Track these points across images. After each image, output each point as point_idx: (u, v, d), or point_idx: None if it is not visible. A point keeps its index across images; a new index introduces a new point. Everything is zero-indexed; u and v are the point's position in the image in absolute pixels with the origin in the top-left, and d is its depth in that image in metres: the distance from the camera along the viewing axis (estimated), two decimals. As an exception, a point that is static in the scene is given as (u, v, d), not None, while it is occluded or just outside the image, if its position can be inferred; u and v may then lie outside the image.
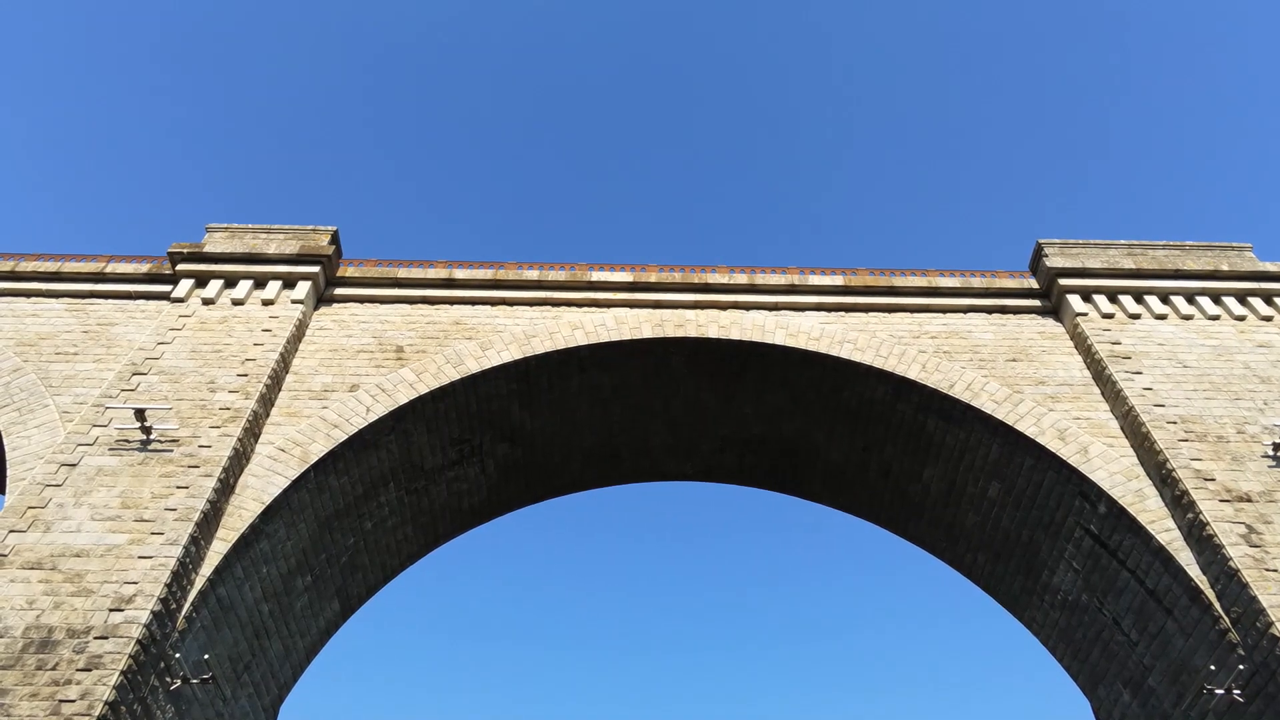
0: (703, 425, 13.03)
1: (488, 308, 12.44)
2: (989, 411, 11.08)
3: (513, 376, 11.77)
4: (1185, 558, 9.36)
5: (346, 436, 10.47)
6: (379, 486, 11.29)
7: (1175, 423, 10.47)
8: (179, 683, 8.31)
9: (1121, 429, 10.85)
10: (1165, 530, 9.66)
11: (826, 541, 32.36)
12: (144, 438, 9.74)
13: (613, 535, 32.77)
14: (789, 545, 32.24)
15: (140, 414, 9.65)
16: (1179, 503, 9.68)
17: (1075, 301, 12.31)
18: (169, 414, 10.11)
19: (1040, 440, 10.73)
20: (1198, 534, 9.34)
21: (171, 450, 9.68)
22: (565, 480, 13.37)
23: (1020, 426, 10.89)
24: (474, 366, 11.47)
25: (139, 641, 7.80)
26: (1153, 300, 12.38)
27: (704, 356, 12.26)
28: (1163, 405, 10.73)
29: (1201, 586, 9.10)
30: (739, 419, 12.89)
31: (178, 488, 9.24)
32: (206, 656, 8.73)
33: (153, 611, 8.03)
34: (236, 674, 9.57)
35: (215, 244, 12.54)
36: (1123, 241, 13.16)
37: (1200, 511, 9.38)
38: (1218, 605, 8.90)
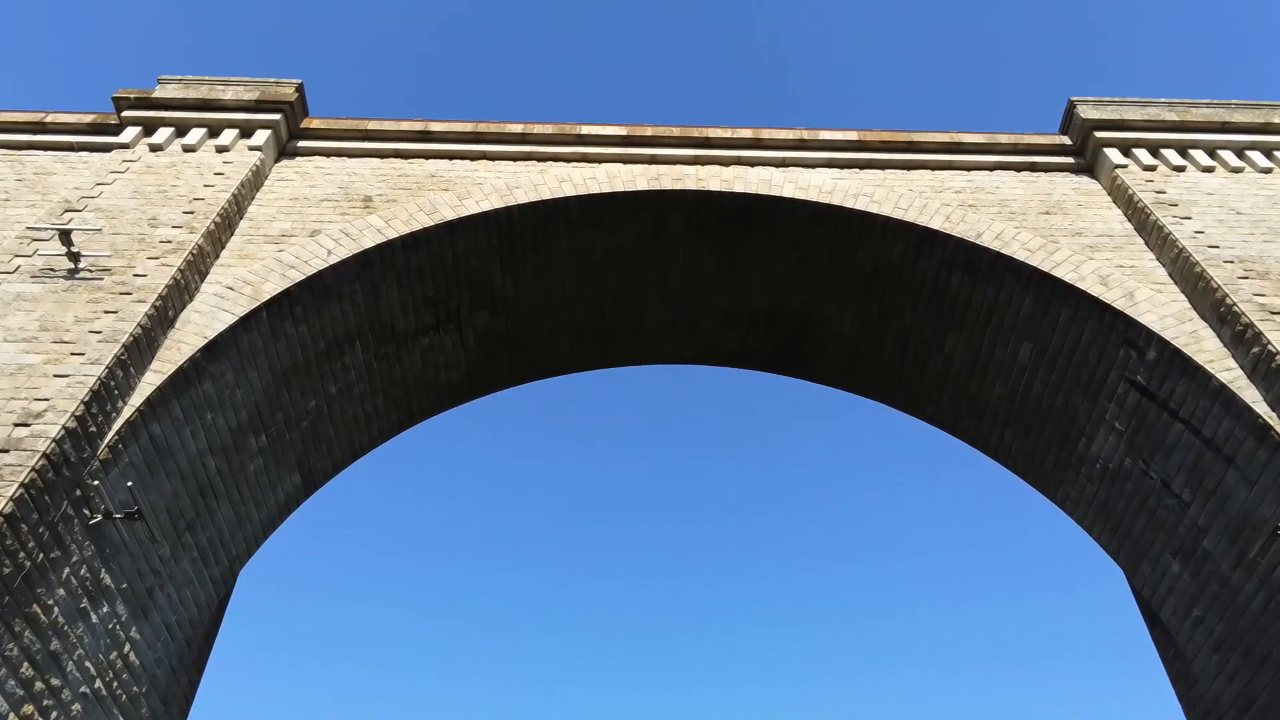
0: (703, 298, 11.90)
1: (467, 162, 11.29)
2: (1022, 259, 9.96)
3: (493, 230, 10.64)
4: (1250, 395, 8.26)
5: (304, 277, 9.35)
6: (344, 344, 10.17)
7: (1232, 262, 9.36)
8: (99, 517, 7.20)
9: (1170, 275, 9.74)
10: (1226, 370, 8.57)
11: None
12: (71, 266, 8.62)
13: (609, 422, 31.08)
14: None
15: (67, 238, 8.53)
16: (1241, 339, 8.57)
17: (1113, 155, 11.18)
18: (102, 243, 8.99)
19: (1080, 286, 9.62)
20: (1264, 368, 8.24)
21: (102, 279, 8.55)
22: (553, 359, 12.25)
23: (1058, 274, 9.78)
24: (450, 215, 10.34)
25: (46, 457, 6.69)
26: (1198, 154, 11.26)
27: (705, 215, 11.12)
28: (1217, 247, 9.62)
29: (1271, 423, 7.99)
30: (743, 290, 11.76)
31: (106, 312, 8.12)
32: (134, 497, 7.62)
33: (65, 428, 6.92)
34: (177, 532, 8.46)
35: (167, 92, 11.39)
36: (1162, 100, 12.02)
37: (1268, 343, 8.26)
38: (1291, 441, 7.83)
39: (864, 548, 29.74)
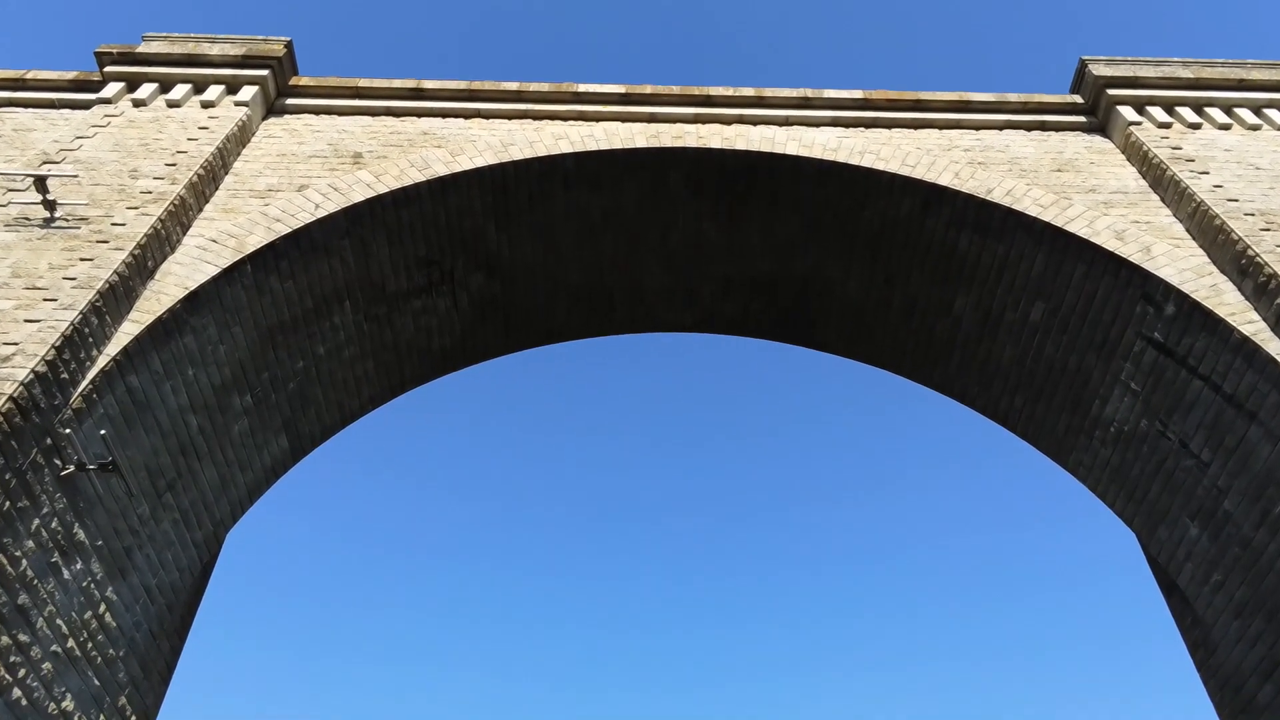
0: (704, 263, 11.57)
1: (460, 120, 10.95)
2: (1034, 215, 9.63)
3: (488, 187, 10.30)
4: (1275, 348, 7.92)
5: (290, 230, 9.02)
6: (332, 303, 9.83)
7: (1253, 215, 9.04)
8: (71, 468, 6.87)
9: (1187, 230, 9.41)
10: (1248, 323, 8.24)
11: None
12: (47, 215, 8.28)
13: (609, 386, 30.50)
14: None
15: (43, 185, 8.18)
16: (1264, 290, 8.24)
17: (1127, 112, 10.85)
18: (79, 193, 8.65)
19: (1095, 241, 9.29)
20: (1290, 319, 7.92)
21: (79, 228, 8.22)
22: (550, 325, 11.91)
23: (1071, 229, 9.45)
24: (442, 170, 10.00)
25: (14, 401, 6.35)
26: (1214, 112, 10.92)
27: (706, 175, 10.79)
28: (1236, 200, 9.29)
29: (1297, 374, 7.67)
30: (745, 253, 11.42)
31: (81, 259, 7.79)
32: (109, 447, 7.28)
33: (34, 371, 6.58)
34: (157, 491, 8.12)
35: (151, 48, 11.04)
36: (1175, 59, 11.69)
37: (1293, 293, 7.94)
38: (1318, 393, 7.51)
39: (865, 546, 29.36)
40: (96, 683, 7.37)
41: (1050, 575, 28.04)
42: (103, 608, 7.44)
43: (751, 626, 28.19)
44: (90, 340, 7.26)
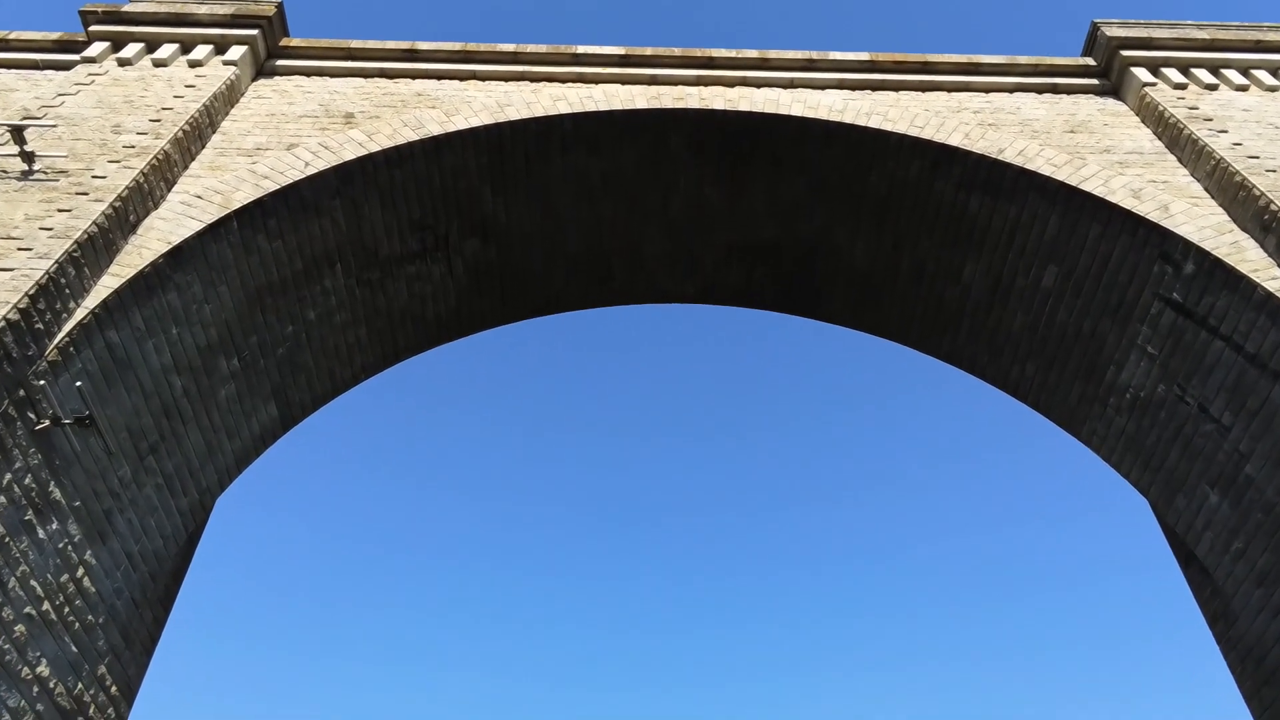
0: (706, 229, 11.26)
1: (456, 82, 10.65)
2: (1048, 174, 9.33)
3: (483, 149, 10.00)
4: (1300, 303, 7.64)
5: (278, 187, 8.71)
6: (323, 266, 9.52)
7: (1275, 171, 8.73)
8: (46, 423, 6.57)
9: (1206, 190, 9.10)
10: (1272, 279, 7.94)
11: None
12: (25, 167, 7.98)
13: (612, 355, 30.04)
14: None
15: (20, 136, 7.88)
16: (1289, 245, 7.95)
17: (1141, 74, 10.54)
18: (59, 146, 8.35)
19: (1111, 199, 8.99)
20: (1316, 273, 7.62)
21: (58, 180, 7.91)
22: (548, 294, 11.60)
23: (1086, 188, 9.15)
24: (437, 130, 9.69)
25: (-16, 348, 6.06)
26: (1231, 74, 10.62)
27: (708, 138, 10.48)
28: (1257, 157, 8.99)
29: (1325, 329, 7.38)
30: (748, 219, 11.12)
31: (59, 210, 7.49)
32: (85, 400, 6.98)
33: (6, 319, 6.28)
34: (139, 454, 7.82)
35: (138, 7, 10.73)
36: (1190, 21, 11.38)
37: (1319, 246, 7.65)
38: (1347, 348, 7.21)
39: (865, 546, 29.01)
40: (74, 649, 7.07)
41: (1050, 575, 27.75)
42: (81, 571, 7.14)
43: (751, 626, 27.82)
44: (67, 292, 6.96)
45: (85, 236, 7.21)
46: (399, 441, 29.49)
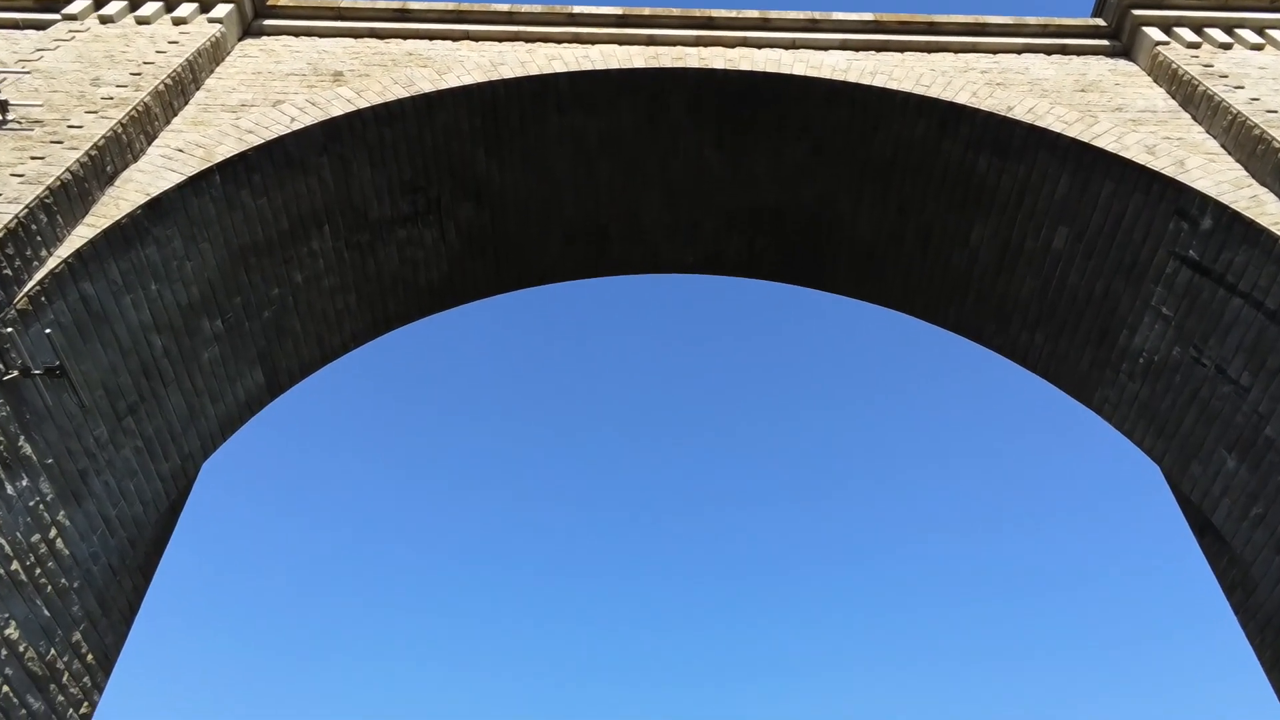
0: (707, 194, 10.96)
1: (448, 42, 10.35)
2: (1059, 131, 9.03)
3: (476, 108, 9.70)
4: (1324, 255, 7.36)
5: (263, 142, 8.42)
6: (310, 227, 9.22)
7: (1295, 125, 8.45)
8: (15, 374, 6.27)
9: (1222, 146, 8.80)
10: (1294, 232, 7.66)
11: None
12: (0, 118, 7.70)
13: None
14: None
15: (-8, 84, 7.60)
16: (1311, 197, 7.66)
17: (1153, 33, 10.24)
18: (35, 95, 8.05)
19: (1125, 155, 8.69)
20: (1341, 224, 7.33)
21: (32, 130, 7.62)
22: (544, 263, 11.30)
23: (1099, 144, 8.85)
24: (428, 88, 9.40)
25: (-54, 290, 5.77)
26: (1246, 33, 10.31)
27: (708, 99, 10.18)
28: (1275, 112, 8.69)
29: (1351, 281, 7.08)
30: (750, 184, 10.82)
31: (32, 158, 7.20)
32: (55, 349, 6.68)
33: (-29, 262, 6.00)
34: (117, 414, 7.52)
35: (121, -34, 10.44)
36: (1203, -17, 11.08)
37: (1344, 196, 7.35)
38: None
39: (865, 545, 28.63)
40: (46, 613, 6.77)
41: (1051, 575, 27.41)
42: (53, 532, 6.84)
43: (752, 626, 27.48)
44: (39, 239, 6.67)
45: (58, 183, 6.92)
46: (397, 436, 29.16)
